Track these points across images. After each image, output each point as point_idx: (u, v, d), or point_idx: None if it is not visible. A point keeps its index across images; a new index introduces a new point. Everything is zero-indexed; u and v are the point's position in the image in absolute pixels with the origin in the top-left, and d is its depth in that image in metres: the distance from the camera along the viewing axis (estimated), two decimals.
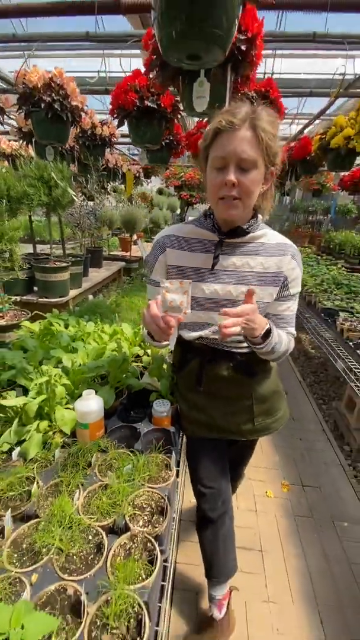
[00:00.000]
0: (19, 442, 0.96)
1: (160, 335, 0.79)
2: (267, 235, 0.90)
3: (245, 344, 0.94)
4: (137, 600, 0.59)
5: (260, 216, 0.91)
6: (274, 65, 2.41)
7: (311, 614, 1.29)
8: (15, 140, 3.49)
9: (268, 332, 0.84)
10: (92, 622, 0.57)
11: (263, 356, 0.92)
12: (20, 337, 1.41)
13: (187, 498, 1.75)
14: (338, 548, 1.55)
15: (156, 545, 0.70)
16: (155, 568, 0.66)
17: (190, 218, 1.52)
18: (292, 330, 0.97)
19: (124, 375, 1.27)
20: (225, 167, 0.77)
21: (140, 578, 0.64)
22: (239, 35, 1.20)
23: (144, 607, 0.59)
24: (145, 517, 0.78)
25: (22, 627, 0.49)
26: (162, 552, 0.71)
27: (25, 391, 1.12)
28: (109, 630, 0.56)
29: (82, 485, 0.83)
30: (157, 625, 0.63)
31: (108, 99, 1.95)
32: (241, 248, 0.89)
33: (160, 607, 0.68)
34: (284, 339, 0.91)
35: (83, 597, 0.59)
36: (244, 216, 0.86)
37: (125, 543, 0.71)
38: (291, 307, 0.94)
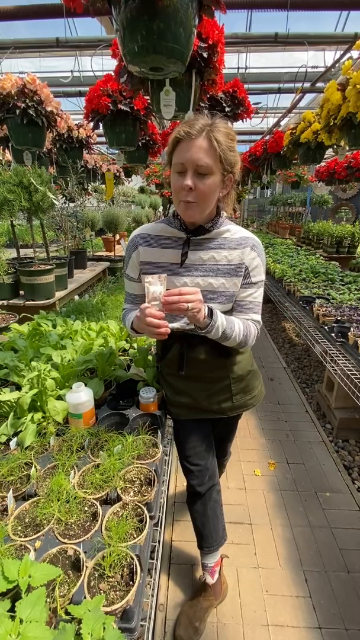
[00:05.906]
0: (16, 434, 1.03)
1: (151, 333, 0.86)
2: (231, 231, 0.99)
3: None
4: (129, 554, 0.68)
5: (224, 213, 1.00)
6: (247, 60, 2.49)
7: (296, 575, 1.41)
8: None
9: (210, 313, 0.90)
10: (91, 574, 0.65)
11: (220, 342, 0.98)
12: (10, 339, 1.47)
13: (181, 482, 1.85)
14: (321, 516, 1.67)
15: (145, 511, 0.79)
16: (145, 528, 0.74)
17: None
18: (256, 317, 1.03)
19: (112, 368, 1.35)
20: (184, 172, 0.86)
21: (132, 537, 0.73)
22: (200, 43, 1.28)
23: (135, 558, 0.67)
24: (135, 489, 0.87)
25: (30, 577, 0.57)
26: (151, 517, 0.80)
27: (18, 388, 1.18)
28: (106, 579, 0.65)
29: (76, 466, 0.91)
30: (150, 575, 0.72)
31: (83, 100, 2.00)
32: (207, 243, 0.98)
33: (153, 563, 0.77)
34: (236, 324, 0.96)
35: (82, 556, 0.68)
36: (204, 217, 0.94)
37: (117, 511, 0.80)
38: (254, 294, 1.01)
